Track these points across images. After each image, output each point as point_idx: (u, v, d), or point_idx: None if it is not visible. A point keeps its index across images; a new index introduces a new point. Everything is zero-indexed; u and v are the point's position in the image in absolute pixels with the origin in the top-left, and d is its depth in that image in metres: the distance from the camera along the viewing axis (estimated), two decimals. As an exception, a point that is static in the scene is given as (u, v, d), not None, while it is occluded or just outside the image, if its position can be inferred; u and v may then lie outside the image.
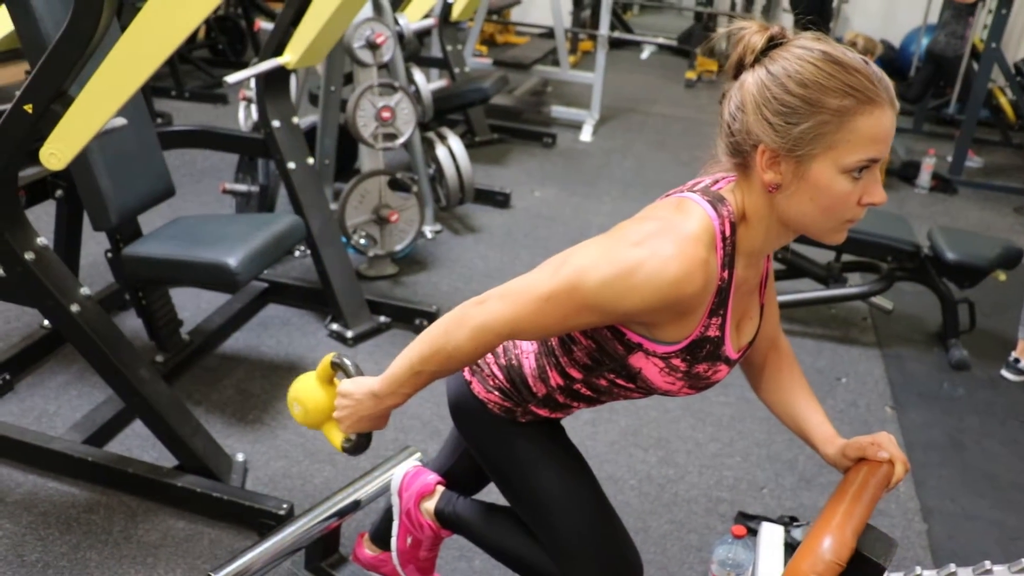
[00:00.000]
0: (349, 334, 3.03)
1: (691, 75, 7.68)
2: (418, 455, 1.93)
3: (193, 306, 3.10)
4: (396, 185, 3.47)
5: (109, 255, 2.53)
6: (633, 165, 5.33)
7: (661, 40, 8.22)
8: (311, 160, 3.08)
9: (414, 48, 4.16)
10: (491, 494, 1.68)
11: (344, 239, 3.30)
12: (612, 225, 1.21)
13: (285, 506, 2.09)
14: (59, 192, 2.56)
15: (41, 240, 2.08)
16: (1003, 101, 6.12)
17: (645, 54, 8.83)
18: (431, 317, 3.13)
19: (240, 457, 2.35)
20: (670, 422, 2.74)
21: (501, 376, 1.42)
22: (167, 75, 5.75)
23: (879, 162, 1.09)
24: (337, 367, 1.40)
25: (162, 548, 2.06)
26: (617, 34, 7.19)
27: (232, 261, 2.34)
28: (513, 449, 1.45)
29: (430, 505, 1.68)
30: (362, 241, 3.43)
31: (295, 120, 3.05)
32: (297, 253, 3.60)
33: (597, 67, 5.86)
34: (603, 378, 1.32)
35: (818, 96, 1.06)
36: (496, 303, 1.19)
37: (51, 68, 1.82)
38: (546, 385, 1.38)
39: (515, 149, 5.39)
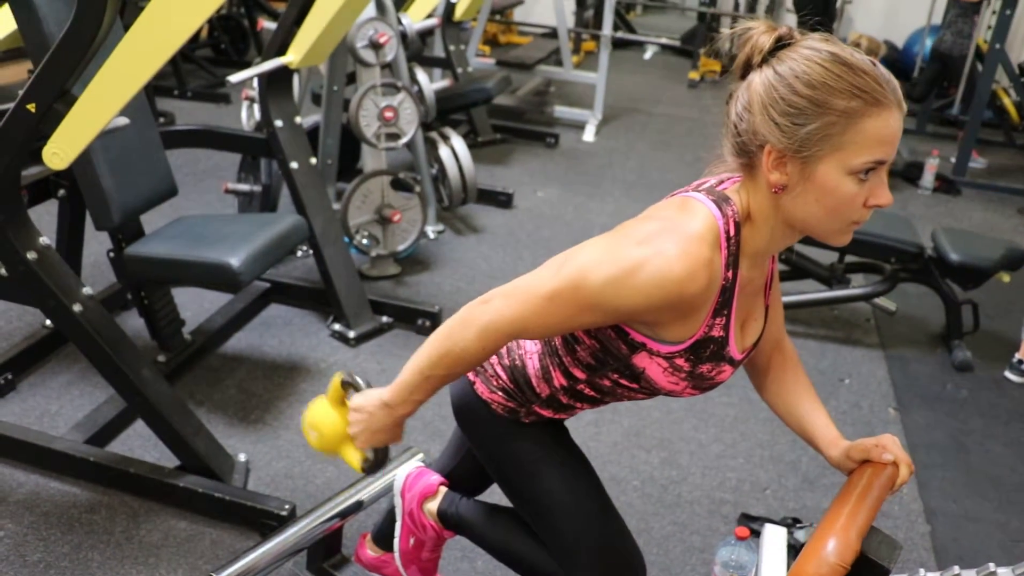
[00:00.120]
0: (351, 334, 3.03)
1: (694, 75, 7.67)
2: (421, 456, 1.92)
3: (195, 306, 3.10)
4: (399, 185, 3.46)
5: (111, 255, 2.53)
6: (636, 165, 5.32)
7: (664, 40, 8.21)
8: (314, 160, 3.07)
9: (417, 48, 4.16)
10: (494, 495, 1.68)
11: (346, 239, 3.30)
12: (615, 225, 1.21)
13: (287, 507, 2.09)
14: (61, 191, 2.56)
15: (43, 239, 2.08)
16: (1007, 102, 6.11)
17: (648, 54, 8.83)
18: (434, 317, 3.13)
19: (242, 457, 2.35)
20: (673, 423, 2.73)
21: (505, 377, 1.42)
22: (170, 74, 5.74)
23: (886, 164, 1.09)
24: (347, 385, 1.38)
25: (164, 548, 2.06)
26: (620, 34, 7.18)
27: (234, 261, 2.33)
28: (516, 450, 1.45)
29: (433, 506, 1.68)
30: (364, 241, 3.42)
31: (298, 120, 3.05)
32: (299, 253, 3.60)
33: (600, 67, 5.86)
34: (607, 378, 1.32)
35: (826, 97, 1.05)
36: (500, 302, 1.19)
37: (54, 67, 1.82)
38: (550, 386, 1.38)
39: (518, 149, 5.39)
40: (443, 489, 1.70)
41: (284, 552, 1.75)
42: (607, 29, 5.80)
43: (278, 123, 2.95)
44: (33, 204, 2.42)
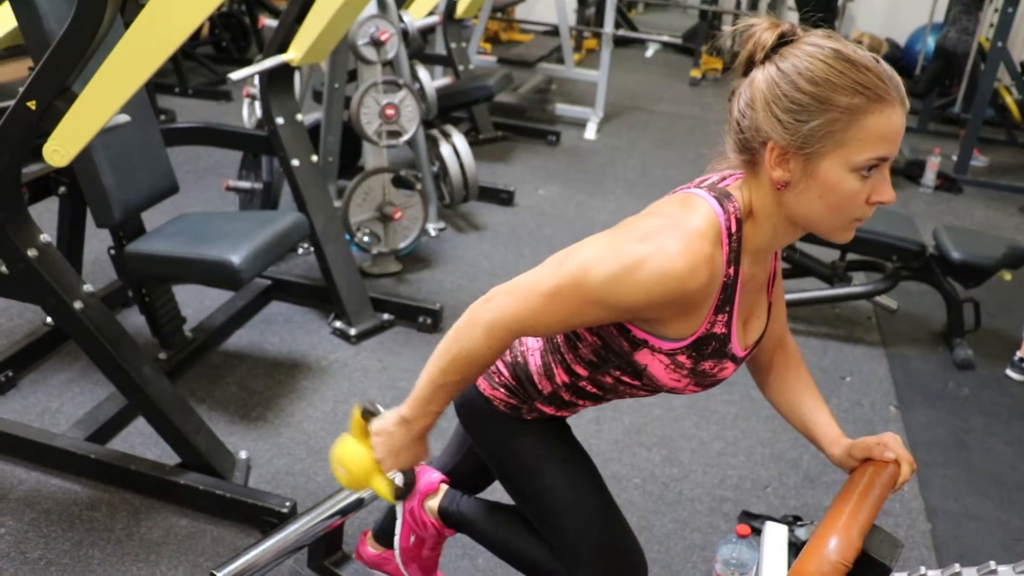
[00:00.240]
0: (352, 332, 3.03)
1: (696, 73, 7.66)
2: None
3: (196, 303, 3.10)
4: (400, 183, 3.46)
5: (112, 252, 2.53)
6: (637, 163, 5.32)
7: (666, 38, 8.21)
8: (315, 157, 3.07)
9: (418, 45, 4.16)
10: (495, 492, 1.68)
11: (348, 236, 3.30)
12: (616, 223, 1.20)
13: (288, 504, 2.09)
14: (62, 189, 2.56)
15: (44, 237, 2.07)
16: (1009, 100, 6.11)
17: (650, 52, 8.82)
18: (435, 315, 3.13)
19: (243, 455, 2.35)
20: (674, 420, 2.73)
21: (507, 373, 1.42)
22: (171, 71, 5.74)
23: (888, 160, 1.09)
24: (368, 414, 1.38)
25: (164, 546, 2.06)
26: (622, 32, 7.17)
27: (235, 258, 2.33)
28: (518, 447, 1.44)
29: (434, 503, 1.68)
30: (366, 238, 3.42)
31: (299, 117, 3.05)
32: (300, 250, 3.60)
33: (601, 65, 5.85)
34: (609, 375, 1.31)
35: (828, 94, 1.05)
36: (502, 299, 1.19)
37: (54, 65, 1.82)
38: (552, 383, 1.38)
39: (519, 147, 5.38)
40: (444, 487, 1.70)
41: (285, 549, 1.75)
42: (609, 27, 5.79)
43: (279, 120, 2.95)
44: (34, 201, 2.42)
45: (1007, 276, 3.31)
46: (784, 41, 1.11)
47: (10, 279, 2.05)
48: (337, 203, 3.44)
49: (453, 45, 4.92)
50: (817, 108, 1.05)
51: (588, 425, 2.65)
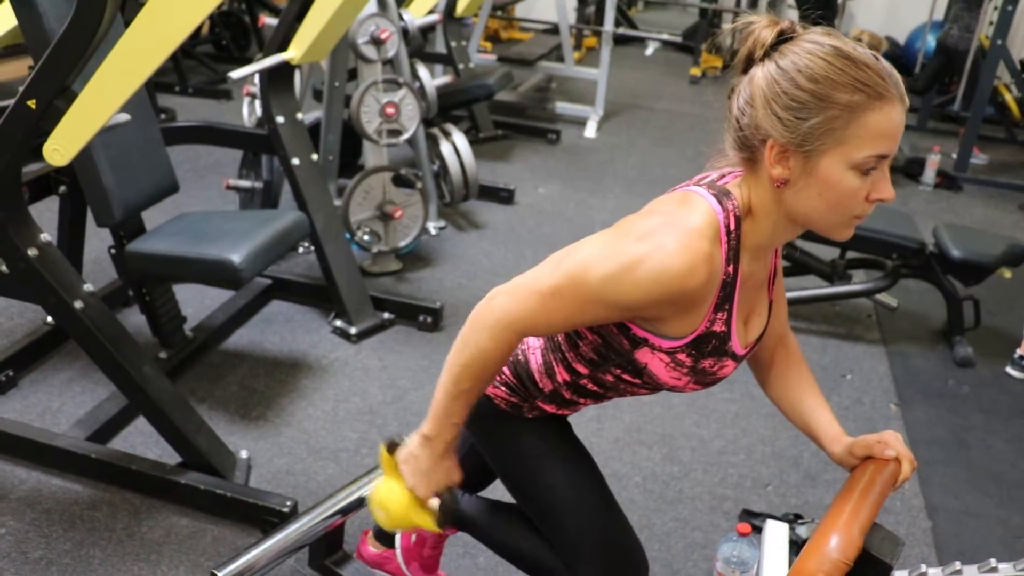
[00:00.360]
0: (353, 331, 3.03)
1: (696, 71, 7.66)
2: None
3: (196, 302, 3.10)
4: (400, 181, 3.46)
5: (112, 251, 2.53)
6: (637, 161, 5.31)
7: (666, 36, 8.20)
8: (315, 156, 3.07)
9: (418, 44, 4.16)
10: (496, 491, 1.68)
11: (348, 235, 3.30)
12: (616, 221, 1.21)
13: (289, 503, 2.09)
14: (62, 188, 2.55)
15: (44, 236, 2.07)
16: (1008, 98, 6.09)
17: (650, 50, 8.82)
18: (435, 313, 3.13)
19: (244, 454, 2.35)
20: (674, 419, 2.73)
21: (508, 371, 1.42)
22: (171, 70, 5.74)
23: (888, 158, 1.09)
24: (393, 446, 1.38)
25: (165, 545, 2.06)
26: (622, 30, 7.16)
27: (236, 257, 2.33)
28: (519, 445, 1.44)
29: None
30: (366, 237, 3.42)
31: (299, 116, 3.05)
32: (301, 249, 3.60)
33: (601, 63, 5.85)
34: (609, 373, 1.31)
35: (828, 91, 1.05)
36: (504, 299, 1.19)
37: (54, 64, 1.81)
38: (552, 381, 1.38)
39: (519, 145, 5.38)
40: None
41: (286, 549, 1.75)
42: (608, 25, 5.79)
43: (279, 119, 2.95)
44: (34, 201, 2.42)
45: (1007, 274, 3.31)
46: (784, 39, 1.11)
47: (10, 278, 2.05)
48: (337, 202, 3.44)
49: (453, 43, 4.92)
50: (817, 105, 1.05)
51: (589, 423, 2.65)
